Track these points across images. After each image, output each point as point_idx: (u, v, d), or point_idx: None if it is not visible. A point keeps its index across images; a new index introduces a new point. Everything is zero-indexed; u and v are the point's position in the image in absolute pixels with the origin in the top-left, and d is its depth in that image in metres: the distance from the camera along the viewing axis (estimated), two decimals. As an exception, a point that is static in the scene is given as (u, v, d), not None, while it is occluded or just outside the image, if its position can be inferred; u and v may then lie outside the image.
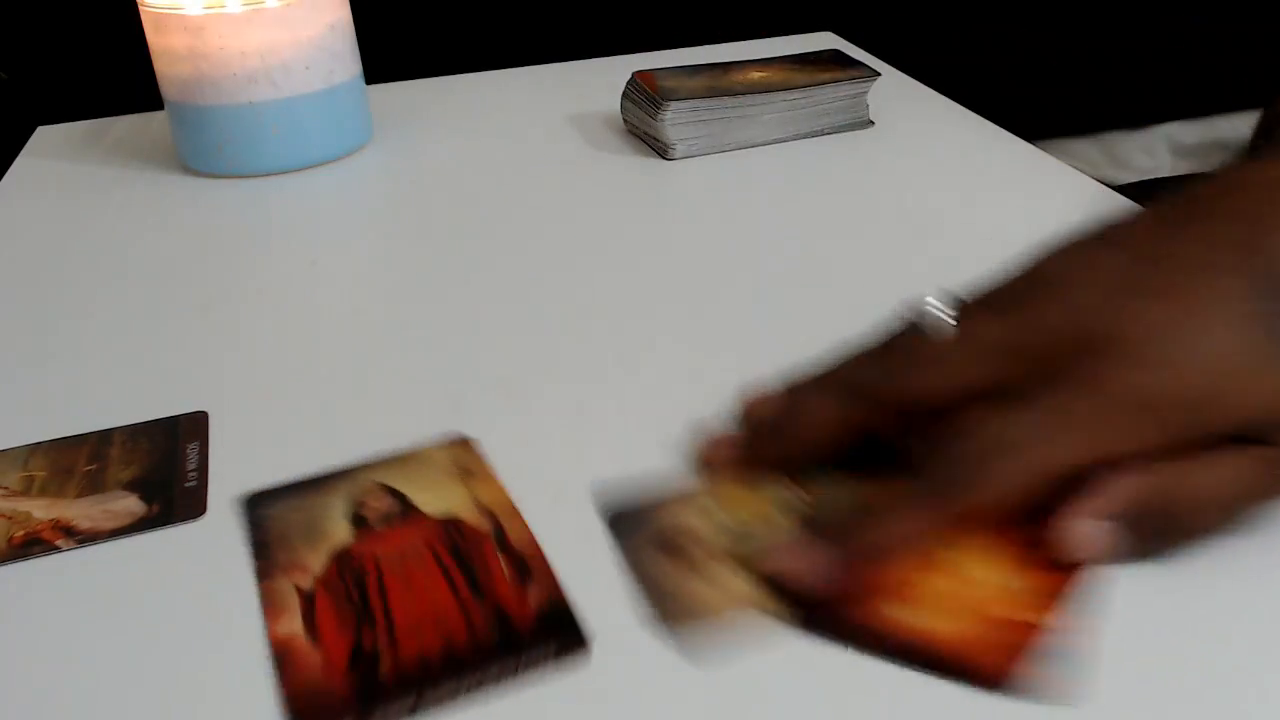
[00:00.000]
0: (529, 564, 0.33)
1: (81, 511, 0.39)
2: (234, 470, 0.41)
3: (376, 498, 0.37)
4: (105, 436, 0.43)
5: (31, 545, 0.37)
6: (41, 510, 0.39)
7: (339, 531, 0.36)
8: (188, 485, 0.40)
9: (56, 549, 0.37)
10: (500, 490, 0.37)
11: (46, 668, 0.32)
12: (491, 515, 0.36)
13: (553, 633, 0.31)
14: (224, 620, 0.33)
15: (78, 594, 0.35)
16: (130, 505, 0.39)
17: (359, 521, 0.36)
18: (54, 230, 0.65)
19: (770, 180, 0.67)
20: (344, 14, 0.72)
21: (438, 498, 0.37)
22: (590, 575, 0.33)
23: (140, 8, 0.69)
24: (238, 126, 0.69)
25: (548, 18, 1.81)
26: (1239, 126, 0.87)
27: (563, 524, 0.36)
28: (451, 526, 0.35)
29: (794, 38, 0.94)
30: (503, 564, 0.34)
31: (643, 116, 0.72)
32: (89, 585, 0.35)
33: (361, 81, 0.75)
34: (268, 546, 0.35)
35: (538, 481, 0.38)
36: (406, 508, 0.37)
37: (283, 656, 0.31)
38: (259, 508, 0.37)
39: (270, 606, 0.33)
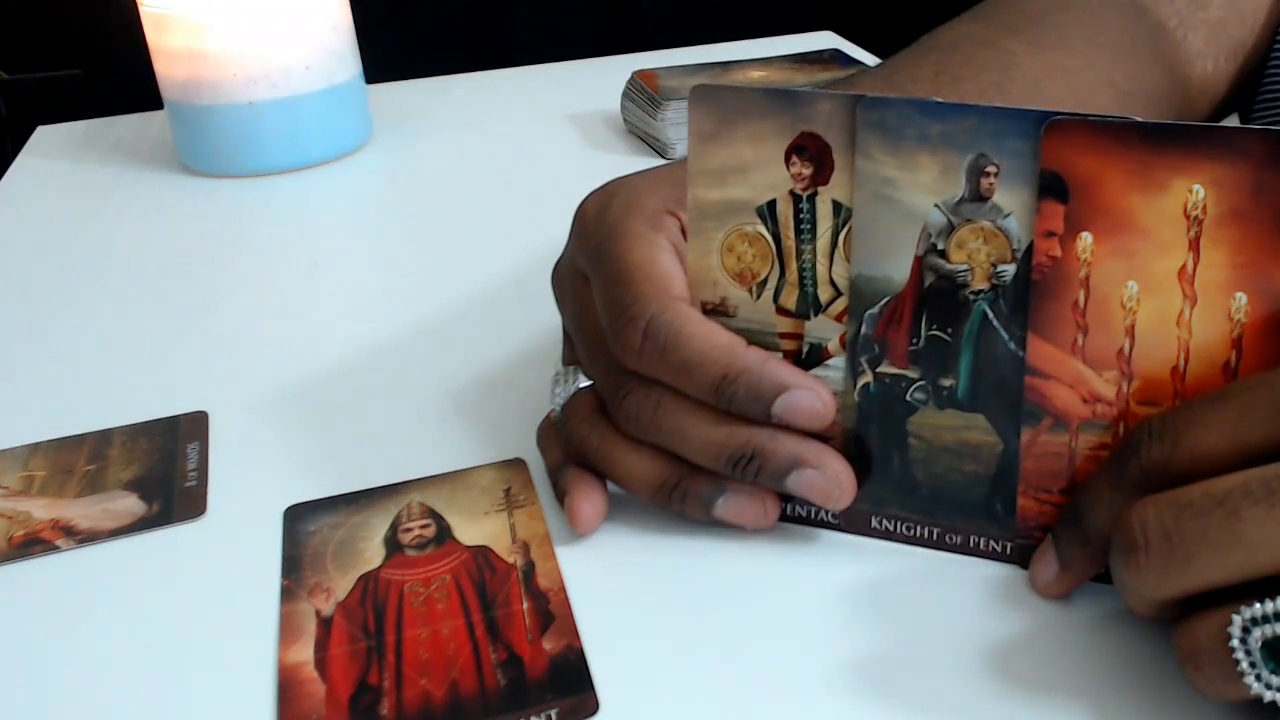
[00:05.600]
0: (552, 608, 0.33)
1: (81, 511, 0.39)
2: (234, 470, 0.41)
3: (416, 520, 0.37)
4: (105, 436, 0.43)
5: (31, 545, 0.37)
6: (41, 510, 0.39)
7: (372, 554, 0.35)
8: (188, 485, 0.40)
9: (56, 549, 0.37)
10: (540, 522, 0.36)
11: (46, 667, 0.32)
12: (525, 549, 0.35)
13: (563, 688, 0.30)
14: (223, 621, 0.33)
15: (78, 594, 0.35)
16: (130, 505, 0.39)
17: (393, 545, 0.36)
18: (54, 230, 0.65)
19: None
20: (344, 14, 0.72)
21: (476, 525, 0.36)
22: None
23: (140, 8, 0.69)
24: (237, 127, 0.69)
25: (548, 18, 1.81)
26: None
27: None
28: (482, 558, 0.35)
29: (794, 37, 0.94)
30: (525, 605, 0.33)
31: (643, 116, 0.72)
32: (89, 585, 0.35)
33: (362, 81, 0.75)
34: (300, 565, 0.35)
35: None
36: (443, 533, 0.36)
37: (287, 686, 0.30)
38: (299, 522, 0.37)
39: (287, 631, 0.32)
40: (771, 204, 0.33)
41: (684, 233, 0.35)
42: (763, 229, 0.33)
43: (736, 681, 0.30)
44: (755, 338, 0.34)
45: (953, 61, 0.46)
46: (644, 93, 0.72)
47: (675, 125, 0.69)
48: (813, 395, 0.32)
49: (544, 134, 0.77)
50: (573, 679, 0.30)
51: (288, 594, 0.34)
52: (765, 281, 0.34)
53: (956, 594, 0.32)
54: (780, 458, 0.32)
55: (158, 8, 0.67)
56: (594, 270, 0.35)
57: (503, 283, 0.55)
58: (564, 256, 0.39)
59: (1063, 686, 0.29)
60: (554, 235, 0.60)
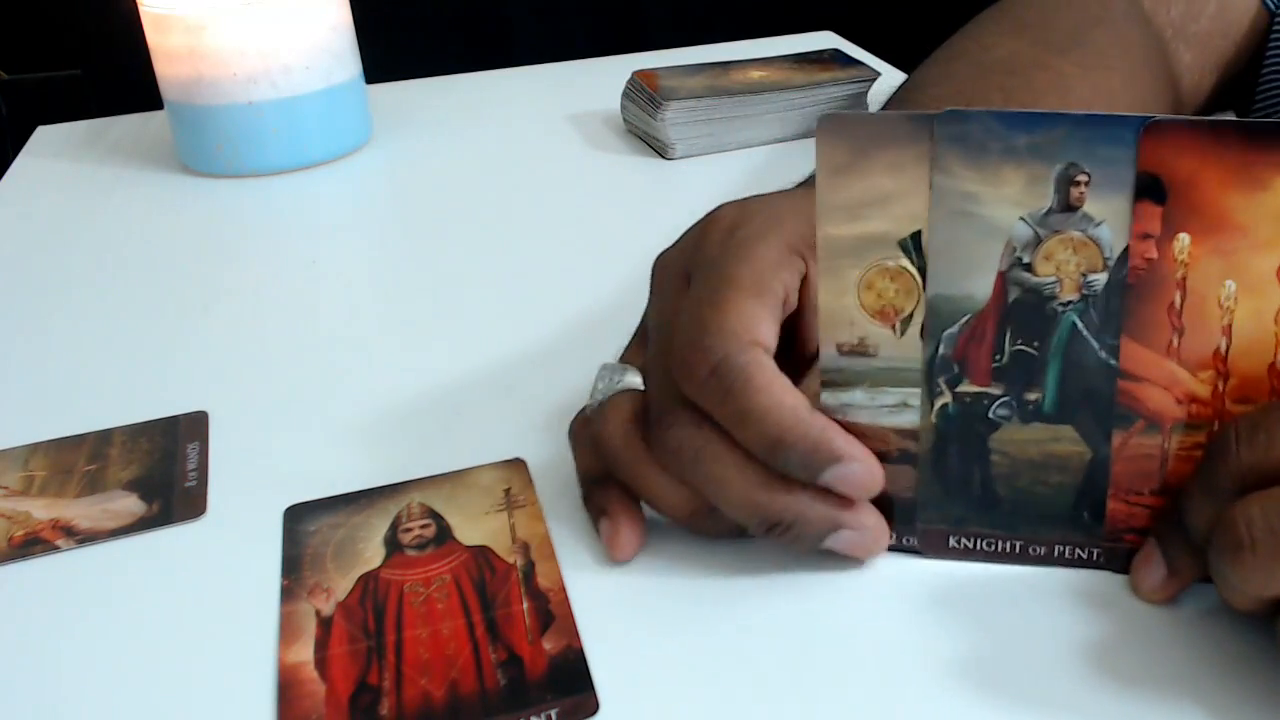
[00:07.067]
0: (552, 608, 0.33)
1: (81, 511, 0.39)
2: (234, 470, 0.41)
3: (416, 520, 0.37)
4: (105, 436, 0.43)
5: (31, 545, 0.37)
6: (41, 510, 0.39)
7: (372, 554, 0.35)
8: (188, 485, 0.40)
9: (56, 549, 0.37)
10: (540, 523, 0.36)
11: (46, 667, 0.32)
12: (525, 549, 0.35)
13: (563, 688, 0.30)
14: (223, 621, 0.33)
15: (78, 594, 0.35)
16: (130, 505, 0.39)
17: (393, 545, 0.36)
18: (54, 230, 0.65)
19: (770, 179, 0.66)
20: (344, 14, 0.72)
21: (476, 525, 0.36)
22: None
23: (140, 8, 0.69)
24: (237, 126, 0.69)
25: (548, 18, 1.81)
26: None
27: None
28: (482, 558, 0.35)
29: (794, 37, 0.94)
30: (525, 605, 0.33)
31: (643, 116, 0.72)
32: (89, 585, 0.35)
33: (361, 81, 0.75)
34: (300, 565, 0.35)
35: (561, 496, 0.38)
36: (443, 533, 0.36)
37: (287, 686, 0.30)
38: (299, 522, 0.37)
39: (287, 631, 0.32)
40: (916, 235, 0.32)
41: (805, 277, 0.34)
42: (906, 262, 0.32)
43: (737, 683, 0.30)
44: (900, 375, 0.33)
45: (1016, 86, 0.46)
46: (644, 93, 0.72)
47: (675, 125, 0.69)
48: (865, 470, 0.32)
49: (544, 134, 0.77)
50: (573, 679, 0.30)
51: (288, 594, 0.34)
52: (911, 317, 0.32)
53: (980, 588, 0.32)
54: (817, 525, 0.32)
55: (158, 8, 0.67)
56: (699, 280, 0.34)
57: (503, 282, 0.55)
58: (675, 249, 0.38)
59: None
60: (553, 235, 0.60)
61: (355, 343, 0.50)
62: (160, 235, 0.64)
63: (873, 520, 0.33)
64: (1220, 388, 0.31)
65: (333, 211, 0.67)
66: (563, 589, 0.33)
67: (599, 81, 0.82)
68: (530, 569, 0.34)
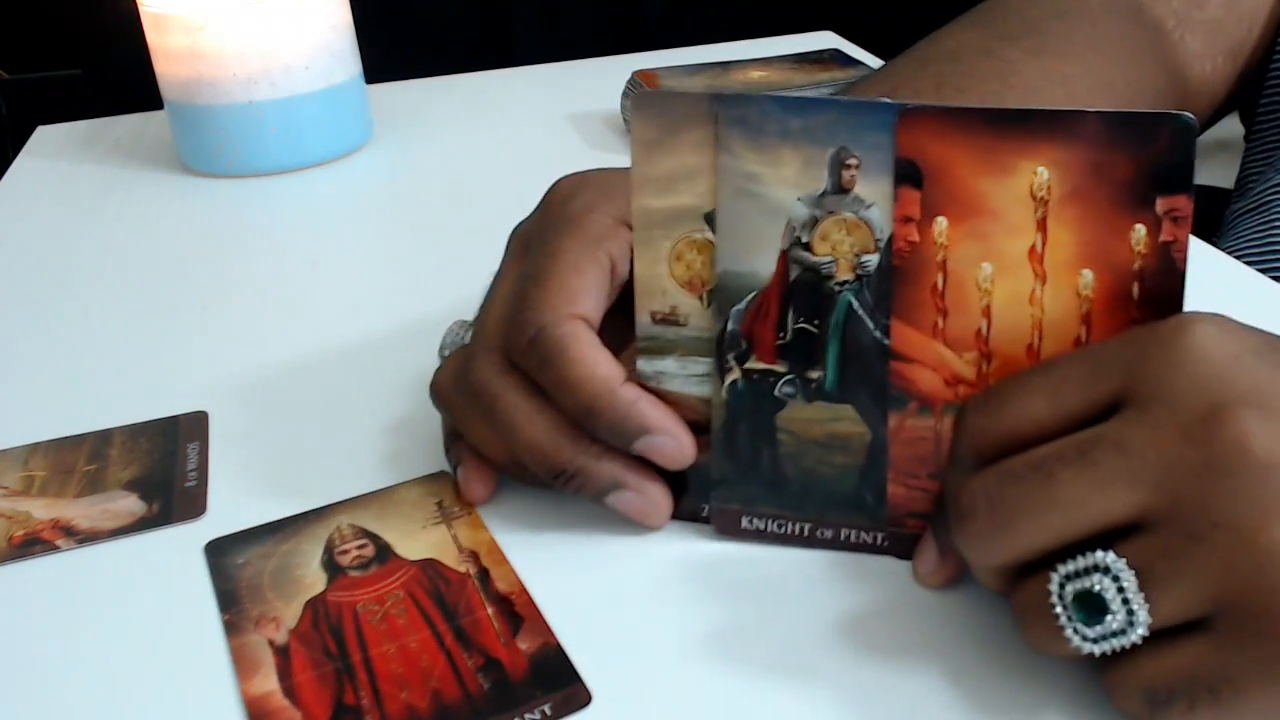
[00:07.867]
0: (518, 609, 0.33)
1: (81, 511, 0.39)
2: (234, 470, 0.41)
3: (351, 542, 0.36)
4: (105, 436, 0.43)
5: (31, 545, 0.37)
6: (41, 510, 0.39)
7: (313, 579, 0.35)
8: (188, 485, 0.40)
9: (56, 549, 0.37)
10: (483, 531, 0.36)
11: (46, 667, 0.32)
12: (474, 558, 0.35)
13: (549, 683, 0.30)
14: (223, 620, 0.33)
15: (78, 594, 0.35)
16: (130, 505, 0.39)
17: (333, 568, 0.35)
18: (54, 230, 0.65)
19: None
20: (344, 14, 0.72)
21: (415, 540, 0.36)
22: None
23: (140, 8, 0.69)
24: (237, 126, 0.69)
25: (548, 18, 1.81)
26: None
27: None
28: (432, 570, 0.35)
29: (794, 37, 0.94)
30: (490, 610, 0.33)
31: (643, 116, 0.72)
32: (89, 585, 0.35)
33: (361, 81, 0.75)
34: (237, 598, 0.34)
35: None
36: (383, 551, 0.36)
37: (258, 717, 0.30)
38: (224, 555, 0.36)
39: (242, 664, 0.31)
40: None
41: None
42: (712, 235, 0.33)
43: (721, 655, 0.30)
44: (708, 345, 0.34)
45: (954, 72, 0.46)
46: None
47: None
48: (674, 442, 0.33)
49: (544, 134, 0.77)
50: (558, 673, 0.30)
51: (232, 628, 0.33)
52: (715, 289, 0.33)
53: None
54: (600, 480, 0.34)
55: (158, 8, 0.67)
56: (530, 252, 0.36)
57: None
58: (525, 220, 0.39)
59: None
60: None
61: (356, 343, 0.50)
62: (160, 235, 0.64)
63: (655, 491, 0.34)
64: (984, 369, 0.31)
65: (333, 211, 0.67)
66: (524, 591, 0.33)
67: (599, 81, 0.82)
68: (485, 575, 0.34)
